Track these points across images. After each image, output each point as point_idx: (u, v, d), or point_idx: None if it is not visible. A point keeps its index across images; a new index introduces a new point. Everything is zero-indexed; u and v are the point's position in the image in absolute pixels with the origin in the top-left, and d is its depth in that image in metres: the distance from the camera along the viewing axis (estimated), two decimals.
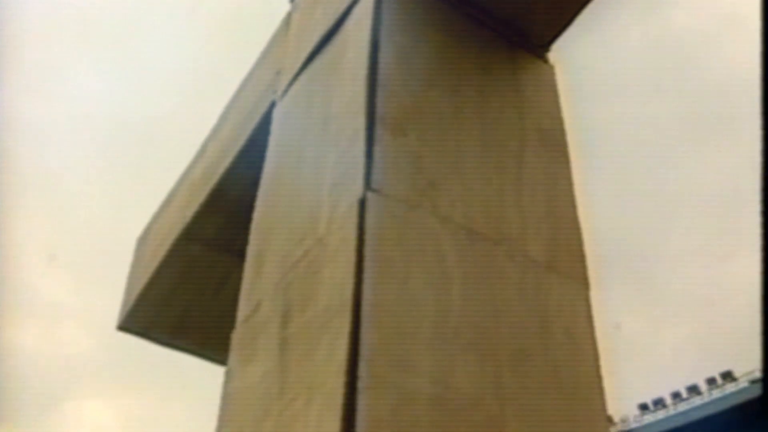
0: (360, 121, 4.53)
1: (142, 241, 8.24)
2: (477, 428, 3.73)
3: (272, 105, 6.10)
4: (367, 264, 3.88)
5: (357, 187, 4.21)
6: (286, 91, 5.92)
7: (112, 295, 8.43)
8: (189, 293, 7.35)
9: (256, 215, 5.38)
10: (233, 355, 4.85)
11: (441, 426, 3.63)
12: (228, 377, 4.84)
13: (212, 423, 4.75)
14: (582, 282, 4.73)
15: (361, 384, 3.54)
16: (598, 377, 4.42)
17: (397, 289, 3.89)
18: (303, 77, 5.76)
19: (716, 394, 41.89)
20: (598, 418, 4.29)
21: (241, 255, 5.38)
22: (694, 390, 42.82)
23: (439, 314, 3.93)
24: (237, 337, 4.87)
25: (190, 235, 7.05)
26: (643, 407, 42.71)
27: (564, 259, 4.72)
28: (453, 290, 4.05)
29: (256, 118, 6.39)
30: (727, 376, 42.27)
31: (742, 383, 40.36)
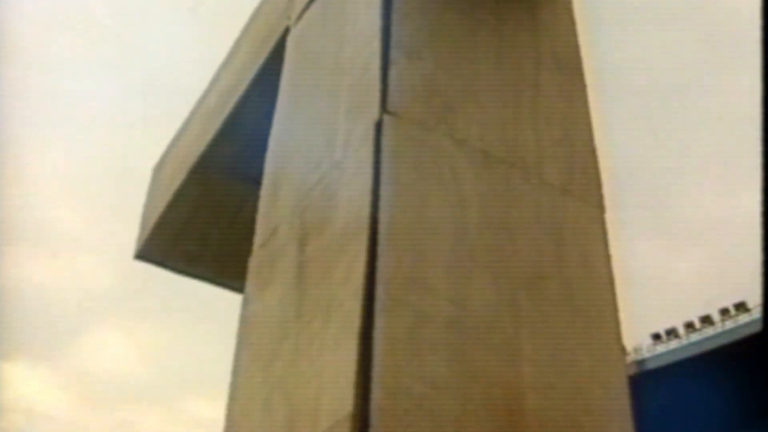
0: (375, 45, 4.51)
1: (158, 170, 8.25)
2: (493, 349, 3.77)
3: (286, 31, 6.06)
4: (384, 187, 3.90)
5: (373, 111, 4.21)
6: (300, 16, 5.88)
7: (129, 226, 8.46)
8: (205, 221, 7.38)
9: (272, 141, 5.38)
10: (250, 280, 4.89)
11: (457, 347, 3.67)
12: (245, 302, 4.89)
13: (231, 351, 4.81)
14: (597, 206, 4.73)
15: (378, 305, 3.58)
16: (613, 301, 4.45)
17: (414, 211, 3.90)
18: (317, 2, 5.72)
19: (729, 324, 42.01)
20: (612, 340, 4.32)
21: (257, 182, 5.40)
22: (707, 320, 42.95)
23: (456, 236, 3.95)
24: (254, 262, 4.90)
25: (205, 163, 7.06)
26: (656, 337, 42.88)
27: (580, 183, 4.72)
28: (469, 212, 4.07)
29: (270, 45, 6.35)
30: (741, 306, 42.33)
31: (756, 314, 40.43)
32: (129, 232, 8.24)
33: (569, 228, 4.47)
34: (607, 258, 4.56)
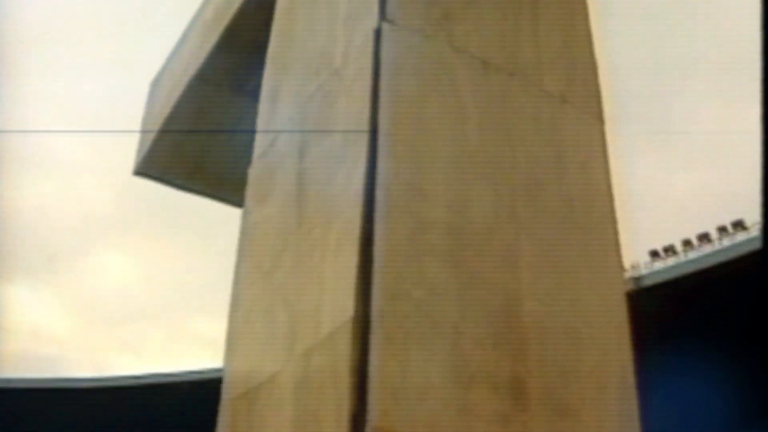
0: None
1: (156, 84, 8.21)
2: (491, 256, 3.80)
3: None
4: (383, 94, 3.89)
5: (372, 19, 4.18)
6: None
7: (128, 147, 8.43)
8: (204, 136, 7.37)
9: (270, 51, 5.35)
10: (250, 191, 4.90)
11: (456, 253, 3.70)
12: (245, 213, 4.92)
13: (232, 269, 4.85)
14: (597, 116, 4.73)
15: (378, 212, 3.60)
16: (612, 211, 4.46)
17: (413, 119, 3.90)
18: None
19: (727, 242, 42.21)
20: (610, 250, 4.35)
21: (255, 95, 5.38)
22: (705, 238, 43.14)
23: (455, 144, 3.96)
24: (254, 172, 4.91)
25: (203, 76, 7.01)
26: (654, 254, 43.14)
27: (580, 93, 4.70)
28: (468, 120, 4.06)
29: None
30: (738, 225, 42.48)
31: (753, 232, 40.59)
32: (130, 152, 8.22)
33: (568, 138, 4.47)
34: (606, 169, 4.57)
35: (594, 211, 4.38)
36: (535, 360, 3.72)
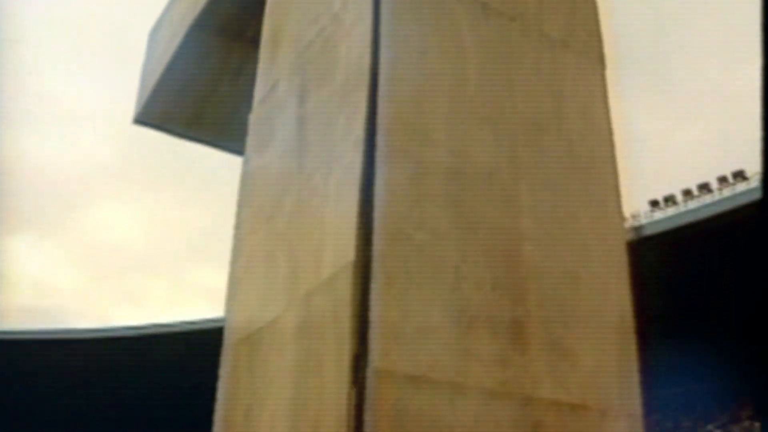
0: None
1: (155, 33, 8.15)
2: (492, 200, 3.81)
3: None
4: (383, 38, 3.87)
5: None
6: None
7: (129, 97, 8.40)
8: (204, 83, 7.34)
9: None
10: (251, 137, 4.90)
11: (457, 197, 3.71)
12: (246, 159, 4.92)
13: (232, 219, 4.86)
14: (598, 61, 4.71)
15: (379, 155, 3.60)
16: (612, 157, 4.47)
17: (414, 63, 3.89)
18: None
19: (727, 192, 42.23)
20: (610, 193, 4.36)
21: (255, 42, 5.35)
22: (705, 188, 43.20)
23: (455, 88, 3.95)
24: (254, 118, 4.91)
25: (202, 23, 6.96)
26: (654, 204, 43.22)
27: (580, 37, 4.68)
28: (468, 64, 4.05)
29: None
30: (739, 175, 42.51)
31: (753, 182, 40.60)
32: (131, 102, 8.20)
33: (569, 82, 4.46)
34: (607, 114, 4.56)
35: (594, 155, 4.38)
36: (535, 302, 3.75)
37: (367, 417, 3.22)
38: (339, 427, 3.31)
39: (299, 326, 3.84)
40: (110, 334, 58.89)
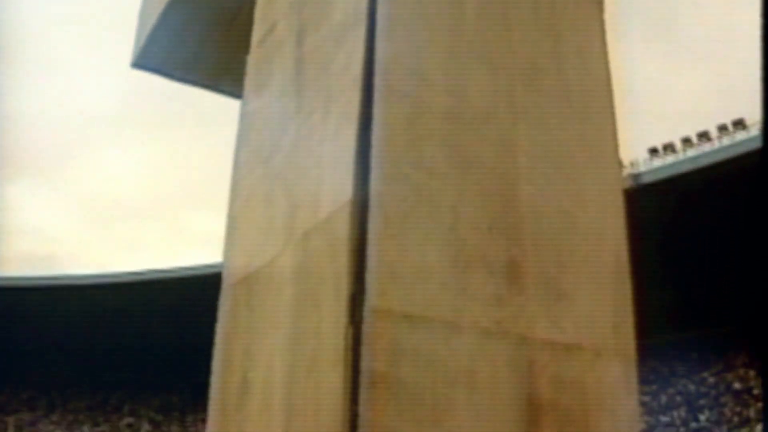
0: None
1: None
2: (489, 140, 3.82)
3: None
4: None
5: None
6: None
7: (127, 44, 8.35)
8: (203, 26, 7.29)
9: None
10: (249, 78, 4.90)
11: (454, 137, 3.72)
12: (244, 100, 4.92)
13: (231, 163, 4.87)
14: (596, 2, 4.68)
15: (377, 95, 3.61)
16: (610, 98, 4.46)
17: (411, 2, 3.87)
18: None
19: (726, 141, 42.20)
20: (608, 136, 4.37)
21: None
22: (704, 136, 43.15)
23: (453, 28, 3.94)
24: (252, 59, 4.90)
25: None
26: (653, 151, 43.19)
27: None
28: (466, 5, 4.03)
29: None
30: (739, 123, 42.44)
31: (753, 131, 40.54)
32: (126, 49, 8.15)
33: (567, 24, 4.44)
34: (605, 57, 4.55)
35: (592, 98, 4.38)
36: (531, 244, 3.78)
37: (364, 354, 3.26)
38: (336, 365, 3.36)
39: (297, 266, 3.87)
40: (109, 280, 59.14)
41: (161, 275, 57.78)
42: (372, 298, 3.31)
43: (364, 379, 3.24)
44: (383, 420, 3.21)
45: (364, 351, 3.26)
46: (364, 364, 3.25)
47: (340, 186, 3.59)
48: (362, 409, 3.22)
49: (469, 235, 3.58)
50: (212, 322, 4.58)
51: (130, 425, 63.83)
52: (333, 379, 3.37)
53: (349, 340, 3.34)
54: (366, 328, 3.28)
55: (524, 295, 3.68)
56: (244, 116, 4.85)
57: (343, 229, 3.51)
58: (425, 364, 3.33)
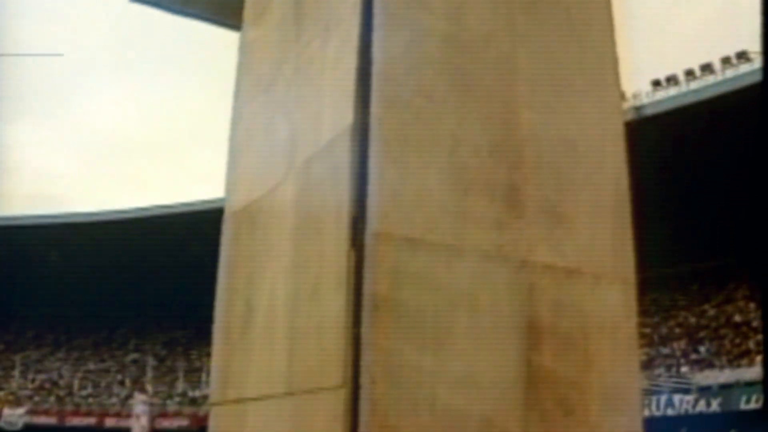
0: None
1: None
2: (489, 65, 3.82)
3: None
4: None
5: None
6: None
7: None
8: None
9: None
10: (248, 8, 4.89)
11: (454, 62, 3.72)
12: (244, 30, 4.91)
13: (232, 98, 4.87)
14: None
15: (377, 21, 3.59)
16: (610, 26, 4.43)
17: None
18: None
19: (730, 73, 41.96)
20: (608, 62, 4.35)
21: None
22: (707, 68, 42.89)
23: None
24: None
25: None
26: (656, 83, 42.99)
27: None
28: None
29: None
30: (742, 56, 42.15)
31: (757, 64, 40.24)
32: None
33: None
34: None
35: (592, 24, 4.35)
36: (531, 169, 3.79)
37: (366, 278, 3.30)
38: (339, 288, 3.40)
39: (299, 192, 3.90)
40: (112, 217, 59.35)
41: (165, 211, 57.99)
42: (373, 222, 3.34)
43: (366, 302, 3.28)
44: (385, 342, 3.26)
45: (366, 274, 3.30)
46: (367, 287, 3.29)
47: (340, 112, 3.60)
48: (365, 331, 3.27)
49: (469, 159, 3.60)
50: (216, 258, 4.62)
51: (135, 361, 64.53)
52: (336, 303, 3.41)
53: (351, 264, 3.37)
54: (368, 251, 3.32)
55: (524, 220, 3.70)
56: (243, 46, 4.84)
57: (344, 154, 3.52)
58: (427, 288, 3.37)
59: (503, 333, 3.53)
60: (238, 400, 4.17)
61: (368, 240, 3.33)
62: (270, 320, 3.96)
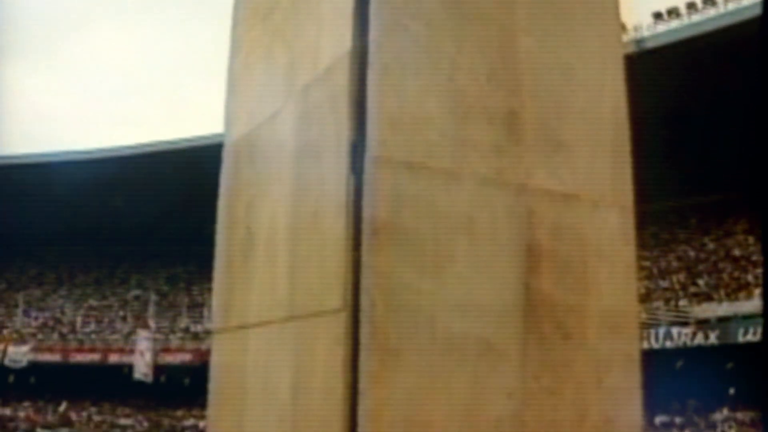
0: None
1: None
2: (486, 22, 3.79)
3: None
4: None
5: None
6: None
7: None
8: None
9: None
10: None
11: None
12: None
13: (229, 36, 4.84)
14: None
15: None
16: None
17: None
18: None
19: (732, 6, 41.59)
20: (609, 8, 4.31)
21: None
22: (710, 1, 42.49)
23: None
24: None
25: None
26: (657, 16, 42.63)
27: None
28: None
29: None
30: None
31: None
32: None
33: None
34: None
35: None
36: (530, 95, 3.79)
37: (366, 202, 3.33)
38: (339, 212, 3.44)
39: (298, 119, 3.91)
40: (111, 154, 59.31)
41: (164, 147, 57.96)
42: (373, 148, 3.36)
43: (366, 227, 3.31)
44: (386, 266, 3.29)
45: (366, 199, 3.33)
46: (366, 212, 3.32)
47: (339, 38, 3.60)
48: (365, 256, 3.31)
49: (467, 85, 3.60)
50: (216, 193, 4.64)
51: (137, 297, 65.00)
52: (336, 228, 3.45)
53: (351, 188, 3.40)
54: (367, 176, 3.34)
55: (523, 145, 3.72)
56: None
57: (342, 79, 3.53)
58: (426, 212, 3.40)
59: (502, 257, 3.57)
60: (240, 327, 4.23)
61: (367, 165, 3.35)
62: (271, 246, 4.00)
